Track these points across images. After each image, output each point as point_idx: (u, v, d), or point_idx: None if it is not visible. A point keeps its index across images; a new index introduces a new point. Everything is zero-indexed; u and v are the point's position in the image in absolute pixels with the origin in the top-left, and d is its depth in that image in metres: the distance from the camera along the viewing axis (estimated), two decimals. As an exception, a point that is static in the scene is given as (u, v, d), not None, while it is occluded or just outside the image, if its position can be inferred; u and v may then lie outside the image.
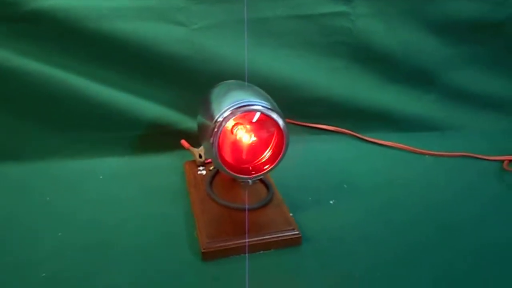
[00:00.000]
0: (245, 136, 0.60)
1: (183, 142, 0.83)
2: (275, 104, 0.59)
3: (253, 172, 0.60)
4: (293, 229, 0.63)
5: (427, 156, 0.88)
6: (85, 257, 0.60)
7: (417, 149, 0.89)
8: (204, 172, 0.76)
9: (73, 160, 0.81)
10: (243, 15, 0.80)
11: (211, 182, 0.73)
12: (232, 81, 0.68)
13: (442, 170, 0.84)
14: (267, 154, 0.61)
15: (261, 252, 0.62)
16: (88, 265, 0.59)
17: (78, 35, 0.74)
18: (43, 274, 0.57)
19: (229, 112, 0.56)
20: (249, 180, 0.61)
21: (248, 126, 0.60)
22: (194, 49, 0.80)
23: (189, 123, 0.85)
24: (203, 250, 0.59)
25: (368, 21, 0.86)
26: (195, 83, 0.82)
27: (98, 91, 0.78)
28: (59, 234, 0.65)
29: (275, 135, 0.60)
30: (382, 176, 0.81)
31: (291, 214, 0.67)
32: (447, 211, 0.72)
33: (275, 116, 0.57)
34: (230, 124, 0.59)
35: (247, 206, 0.65)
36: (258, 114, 0.58)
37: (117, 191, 0.75)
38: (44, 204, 0.71)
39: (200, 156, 0.78)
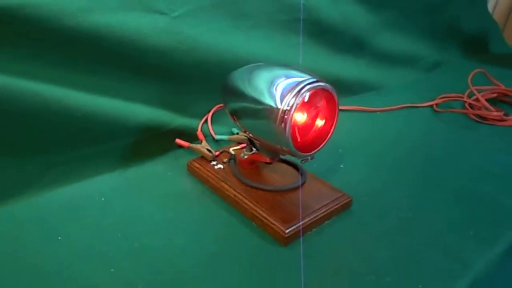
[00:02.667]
0: (298, 115, 0.61)
1: (179, 141, 0.78)
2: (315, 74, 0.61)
3: (311, 148, 0.62)
4: (344, 195, 0.67)
5: (378, 112, 1.02)
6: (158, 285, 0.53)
7: (368, 108, 1.02)
8: (221, 166, 0.73)
9: (60, 187, 0.67)
10: (216, -1, 0.78)
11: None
12: (259, 63, 0.66)
13: (396, 121, 0.99)
14: (319, 126, 0.63)
15: (326, 223, 0.64)
16: None
17: (53, 36, 0.61)
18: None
19: (294, 96, 0.55)
20: (309, 157, 0.62)
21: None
22: (176, 40, 0.74)
23: (178, 121, 0.79)
24: (286, 235, 0.59)
25: (317, -4, 0.93)
26: (180, 77, 0.77)
27: (79, 99, 0.66)
28: (112, 270, 0.55)
29: (325, 105, 0.62)
30: (361, 135, 0.91)
31: (330, 183, 0.70)
32: (423, 149, 0.87)
33: (329, 86, 0.59)
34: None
35: (300, 183, 0.66)
36: (308, 94, 0.59)
37: (133, 210, 0.66)
38: (60, 244, 0.58)
39: (210, 151, 0.74)
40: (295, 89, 0.56)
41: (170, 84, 0.76)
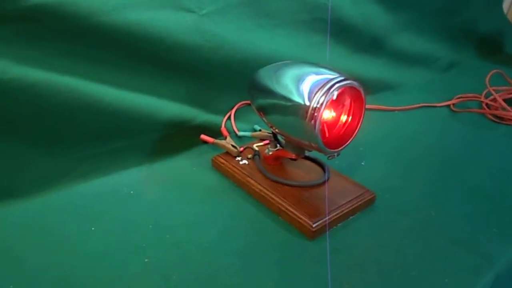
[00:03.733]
0: (326, 113, 0.62)
1: (204, 137, 0.79)
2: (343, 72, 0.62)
3: (338, 145, 0.63)
4: (368, 191, 0.68)
5: (396, 111, 1.03)
6: (193, 280, 0.54)
7: (386, 107, 1.03)
8: (246, 162, 0.75)
9: (90, 180, 0.69)
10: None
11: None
12: (287, 61, 0.67)
13: (414, 120, 1.00)
14: (346, 123, 0.64)
15: (350, 218, 0.66)
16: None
17: (83, 33, 0.62)
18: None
19: (324, 94, 0.57)
20: (335, 154, 0.63)
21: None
22: (204, 38, 0.75)
23: (203, 116, 0.81)
24: (313, 229, 0.60)
25: (338, -4, 0.94)
26: (206, 73, 0.78)
27: (109, 95, 0.68)
28: (146, 260, 0.56)
29: (352, 103, 0.63)
30: (378, 133, 0.92)
31: (354, 180, 0.72)
32: (441, 148, 0.88)
33: (357, 85, 0.60)
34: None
35: (326, 178, 0.67)
36: (337, 92, 0.61)
37: (162, 203, 0.68)
38: (95, 235, 0.60)
39: (234, 147, 0.76)
40: (325, 86, 0.57)
41: (196, 80, 0.78)
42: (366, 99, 0.63)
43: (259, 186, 0.69)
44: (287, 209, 0.64)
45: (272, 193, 0.67)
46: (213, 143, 0.79)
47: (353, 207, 0.66)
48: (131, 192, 0.69)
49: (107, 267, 0.55)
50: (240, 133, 0.84)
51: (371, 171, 0.78)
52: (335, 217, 0.63)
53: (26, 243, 0.58)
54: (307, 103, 0.57)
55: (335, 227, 0.64)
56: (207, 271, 0.55)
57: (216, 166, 0.76)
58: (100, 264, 0.55)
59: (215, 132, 0.82)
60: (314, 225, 0.61)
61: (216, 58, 0.77)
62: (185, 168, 0.76)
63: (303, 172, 0.73)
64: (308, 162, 0.75)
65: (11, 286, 0.51)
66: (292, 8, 0.88)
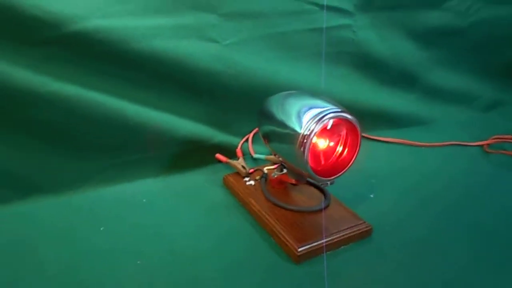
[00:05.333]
0: (321, 142, 0.65)
1: (219, 156, 0.85)
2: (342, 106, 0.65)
3: (331, 174, 0.65)
4: (364, 223, 0.69)
5: (423, 147, 1.01)
6: (175, 282, 0.59)
7: (412, 142, 1.02)
8: (252, 183, 0.79)
9: (110, 186, 0.78)
10: (267, 30, 0.85)
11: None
12: (292, 91, 0.71)
13: (439, 157, 0.97)
14: (342, 154, 0.66)
15: (342, 247, 0.67)
16: None
17: (115, 56, 0.72)
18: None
19: (316, 122, 0.60)
20: (328, 182, 0.65)
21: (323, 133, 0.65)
22: (225, 65, 0.82)
23: (220, 137, 0.87)
24: (298, 254, 0.62)
25: (366, 32, 0.97)
26: (226, 98, 0.84)
27: (134, 111, 0.76)
28: (138, 262, 0.62)
29: (348, 135, 0.65)
30: (397, 166, 0.92)
31: (353, 210, 0.73)
32: (460, 187, 0.85)
33: (351, 118, 0.63)
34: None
35: (323, 206, 0.70)
36: (331, 121, 0.63)
37: (169, 213, 0.74)
38: (101, 234, 0.67)
39: (244, 167, 0.81)
40: (317, 116, 0.60)
41: (216, 103, 0.84)
42: (361, 133, 0.65)
43: (258, 207, 0.72)
44: (278, 231, 0.67)
45: (268, 215, 0.70)
46: (225, 162, 0.84)
47: (346, 236, 0.67)
48: (144, 200, 0.76)
49: (103, 263, 0.61)
50: (256, 155, 0.88)
51: (377, 204, 0.78)
52: (325, 244, 0.65)
53: (45, 236, 0.67)
54: (299, 130, 0.60)
55: (323, 254, 0.65)
56: (190, 281, 0.59)
57: (225, 184, 0.81)
58: (98, 259, 0.62)
59: (231, 153, 0.87)
60: (299, 250, 0.63)
61: (236, 84, 0.83)
62: (197, 183, 0.82)
63: (305, 197, 0.75)
64: (312, 189, 0.77)
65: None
66: (315, 41, 0.92)
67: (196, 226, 0.71)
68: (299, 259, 0.63)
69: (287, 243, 0.64)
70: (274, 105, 0.68)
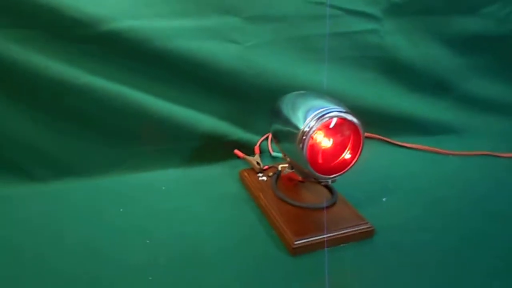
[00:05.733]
0: (324, 140, 0.67)
1: (237, 151, 0.89)
2: (347, 107, 0.66)
3: (333, 172, 0.67)
4: (366, 223, 0.70)
5: (451, 156, 0.98)
6: (179, 267, 0.63)
7: (440, 150, 0.99)
8: (265, 178, 0.82)
9: (134, 173, 0.84)
10: (289, 33, 0.88)
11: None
12: (302, 91, 0.74)
13: (467, 168, 0.94)
14: (345, 155, 0.67)
15: (341, 245, 0.68)
16: (179, 275, 0.61)
17: (143, 54, 0.78)
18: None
19: (316, 120, 0.62)
20: (329, 180, 0.67)
21: (327, 131, 0.67)
22: (247, 66, 0.86)
23: (240, 134, 0.91)
24: (293, 246, 0.65)
25: (394, 37, 0.96)
26: (246, 97, 0.88)
27: (159, 106, 0.83)
28: (147, 241, 0.68)
29: (351, 136, 0.66)
30: (419, 175, 0.90)
31: (358, 211, 0.73)
32: (487, 202, 0.81)
33: (353, 119, 0.64)
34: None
35: (325, 205, 0.71)
36: (335, 120, 0.65)
37: (183, 200, 0.79)
38: (120, 215, 0.74)
39: (258, 164, 0.84)
40: (317, 114, 0.62)
41: (237, 102, 0.89)
42: (363, 134, 0.65)
43: (265, 200, 0.75)
44: (280, 224, 0.69)
45: (273, 208, 0.73)
46: (242, 158, 0.88)
47: (345, 235, 0.68)
48: (163, 187, 0.82)
49: (116, 239, 0.68)
50: (274, 154, 0.91)
51: (387, 208, 0.78)
52: (320, 240, 0.66)
53: (72, 213, 0.74)
54: (301, 128, 0.63)
55: (320, 250, 0.66)
56: (189, 259, 0.64)
57: (241, 179, 0.85)
58: (113, 236, 0.69)
59: (250, 150, 0.91)
60: (295, 242, 0.65)
61: (257, 83, 0.87)
62: (214, 176, 0.87)
63: (312, 195, 0.77)
64: (320, 187, 0.79)
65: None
66: (341, 45, 0.93)
67: (205, 213, 0.75)
68: (294, 252, 0.65)
69: (285, 235, 0.67)
70: (283, 105, 0.71)
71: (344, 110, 0.64)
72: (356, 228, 0.69)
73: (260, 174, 0.83)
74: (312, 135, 0.62)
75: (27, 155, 0.78)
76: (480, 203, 0.80)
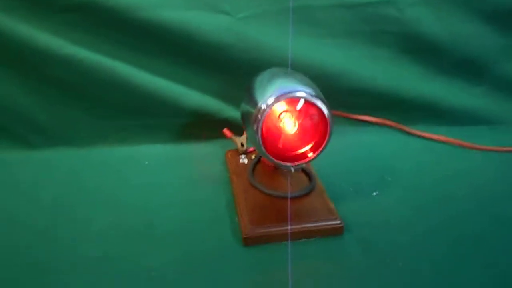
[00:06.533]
0: (290, 124, 0.60)
1: (226, 130, 0.84)
2: (319, 91, 0.59)
3: (296, 160, 0.60)
4: (335, 219, 0.62)
5: (475, 150, 0.85)
6: (131, 238, 0.62)
7: (465, 143, 0.86)
8: (246, 161, 0.77)
9: (119, 146, 0.84)
10: (286, 4, 0.80)
11: (253, 171, 0.73)
12: (276, 68, 0.67)
13: (490, 166, 0.81)
14: (307, 146, 0.60)
15: (303, 240, 0.62)
16: (133, 246, 0.61)
17: (126, 25, 0.76)
18: (92, 254, 0.59)
19: (273, 99, 0.56)
20: (292, 168, 0.61)
21: (293, 114, 0.60)
22: (237, 38, 0.80)
23: (231, 112, 0.86)
24: (244, 236, 0.60)
25: (416, 9, 0.83)
26: (237, 72, 0.83)
27: (144, 79, 0.80)
28: (108, 217, 0.67)
29: (319, 123, 0.59)
30: (428, 170, 0.79)
31: (333, 204, 0.66)
32: (496, 207, 0.69)
33: (319, 103, 0.56)
34: (276, 111, 0.59)
35: (289, 194, 0.65)
36: (301, 101, 0.58)
37: (161, 177, 0.77)
38: (93, 189, 0.74)
39: (242, 145, 0.79)
40: (278, 94, 0.56)
41: (226, 78, 0.83)
42: (332, 126, 0.58)
43: (236, 184, 0.71)
44: (242, 211, 0.65)
45: (241, 194, 0.68)
46: (229, 138, 0.83)
47: (309, 229, 0.61)
48: (146, 162, 0.81)
49: (92, 205, 0.69)
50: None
51: (373, 204, 0.70)
52: (279, 232, 0.61)
53: (58, 180, 0.75)
54: (256, 109, 0.57)
55: (278, 242, 0.61)
56: (140, 235, 0.63)
57: (225, 159, 0.81)
58: (89, 202, 0.70)
59: (241, 129, 0.86)
60: (247, 231, 0.60)
61: (248, 58, 0.81)
62: (201, 155, 0.84)
63: (293, 182, 0.70)
64: (302, 176, 0.72)
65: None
66: (348, 18, 0.83)
67: (178, 192, 0.73)
68: (246, 241, 0.60)
69: (242, 223, 0.62)
70: (254, 83, 0.65)
71: (313, 94, 0.57)
72: (322, 223, 0.62)
73: (242, 156, 0.78)
74: (269, 115, 0.56)
75: (17, 121, 0.81)
76: (488, 207, 0.69)
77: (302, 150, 0.61)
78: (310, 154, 0.60)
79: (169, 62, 0.81)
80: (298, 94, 0.56)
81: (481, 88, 0.91)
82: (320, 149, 0.59)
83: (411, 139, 0.89)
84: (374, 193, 0.72)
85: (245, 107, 0.63)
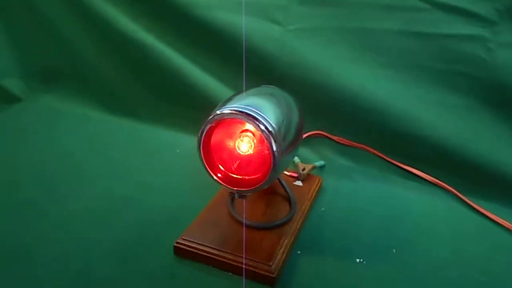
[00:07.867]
0: (245, 145, 0.55)
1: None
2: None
3: (247, 187, 0.54)
4: (270, 266, 0.55)
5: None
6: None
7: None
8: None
9: (164, 130, 0.90)
10: (344, 22, 0.71)
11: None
12: (267, 87, 0.62)
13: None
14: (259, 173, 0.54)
15: (230, 274, 0.56)
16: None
17: (185, 20, 0.81)
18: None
19: (214, 114, 0.52)
20: (235, 194, 0.55)
21: (255, 137, 0.55)
22: (284, 51, 0.76)
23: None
24: (175, 244, 0.58)
25: (510, 53, 0.63)
26: (278, 84, 0.78)
27: (194, 74, 0.85)
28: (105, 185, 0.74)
29: (268, 157, 0.52)
30: (464, 254, 0.61)
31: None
32: None
33: (265, 135, 0.50)
34: (236, 127, 0.55)
35: (244, 221, 0.59)
36: (249, 127, 0.53)
37: (164, 164, 0.79)
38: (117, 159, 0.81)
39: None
40: (227, 108, 0.52)
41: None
42: (276, 152, 0.50)
43: (217, 196, 0.68)
44: (196, 219, 0.63)
45: (210, 206, 0.66)
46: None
47: (238, 266, 0.55)
48: (177, 150, 0.85)
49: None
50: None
51: (346, 269, 0.58)
52: (209, 256, 0.57)
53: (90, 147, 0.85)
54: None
55: (205, 265, 0.57)
56: (95, 211, 0.67)
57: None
58: (101, 167, 0.78)
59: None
60: (179, 241, 0.58)
61: (291, 74, 0.76)
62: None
63: (267, 208, 0.65)
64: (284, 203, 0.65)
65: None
66: (418, 49, 0.68)
67: (172, 182, 0.74)
68: (175, 250, 0.59)
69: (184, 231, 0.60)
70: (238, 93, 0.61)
71: (269, 124, 0.50)
72: (253, 265, 0.55)
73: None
74: (222, 126, 0.53)
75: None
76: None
77: (252, 177, 0.55)
78: (255, 186, 0.54)
79: (218, 62, 0.83)
80: (226, 111, 0.51)
81: None
82: (257, 186, 0.52)
83: (467, 213, 0.69)
84: (358, 260, 0.60)
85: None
